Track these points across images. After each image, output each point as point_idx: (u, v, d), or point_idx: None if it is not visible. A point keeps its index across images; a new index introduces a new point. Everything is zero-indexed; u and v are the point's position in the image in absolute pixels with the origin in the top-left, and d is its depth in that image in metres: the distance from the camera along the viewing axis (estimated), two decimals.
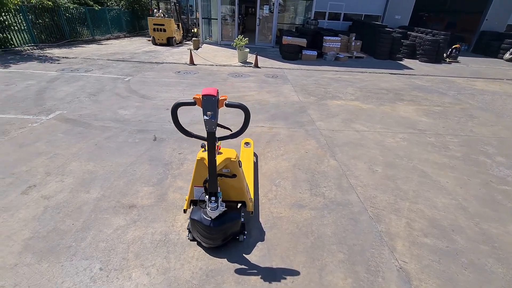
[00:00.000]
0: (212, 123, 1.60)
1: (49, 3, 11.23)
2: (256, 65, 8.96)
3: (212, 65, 9.07)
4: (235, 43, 9.26)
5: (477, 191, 2.96)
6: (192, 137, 1.74)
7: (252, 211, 2.26)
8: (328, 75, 8.38)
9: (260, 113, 4.93)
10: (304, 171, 3.16)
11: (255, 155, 3.48)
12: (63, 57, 9.34)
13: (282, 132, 4.17)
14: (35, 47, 10.77)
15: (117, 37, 16.01)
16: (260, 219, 2.40)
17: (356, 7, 13.20)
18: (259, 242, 2.16)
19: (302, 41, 9.97)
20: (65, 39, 12.39)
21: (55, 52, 10.24)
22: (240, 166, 2.06)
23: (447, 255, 2.13)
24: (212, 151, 1.73)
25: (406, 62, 11.15)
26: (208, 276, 1.86)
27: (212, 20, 12.68)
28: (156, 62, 9.15)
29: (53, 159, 3.17)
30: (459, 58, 12.24)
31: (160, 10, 14.03)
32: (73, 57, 9.39)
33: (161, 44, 13.42)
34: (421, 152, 3.76)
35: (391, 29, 11.10)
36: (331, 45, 10.26)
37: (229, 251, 2.06)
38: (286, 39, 9.95)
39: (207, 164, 1.81)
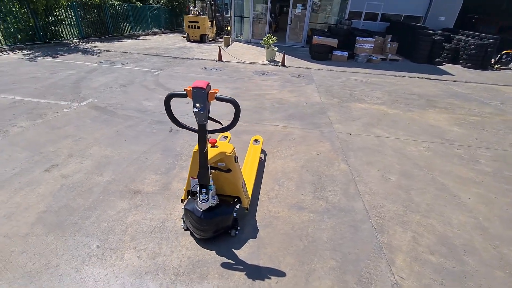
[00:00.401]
0: (201, 116, 1.63)
1: (97, 0, 12.13)
2: (283, 64, 8.89)
3: (239, 62, 9.17)
4: (263, 41, 9.26)
5: (504, 212, 2.66)
6: (183, 128, 1.78)
7: (247, 208, 2.26)
8: (357, 77, 8.05)
9: (277, 112, 4.89)
10: (311, 173, 3.08)
11: (264, 152, 3.47)
12: (104, 50, 10.05)
13: (296, 132, 4.10)
14: (81, 40, 11.72)
15: (155, 33, 16.85)
16: (256, 217, 2.39)
17: (396, 7, 12.48)
18: (251, 239, 2.15)
19: (333, 41, 9.68)
20: (108, 34, 13.31)
21: (98, 45, 11.05)
22: (236, 162, 2.07)
23: (453, 276, 1.95)
24: (202, 144, 1.75)
25: (446, 67, 10.32)
26: (195, 266, 1.89)
27: (244, 18, 12.81)
28: (186, 58, 9.48)
29: (78, 142, 3.44)
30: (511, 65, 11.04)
31: (196, 8, 14.48)
32: (113, 51, 10.07)
33: (195, 41, 13.87)
34: (444, 163, 3.47)
35: (431, 31, 10.34)
36: (363, 46, 9.83)
37: (219, 244, 2.08)
38: (316, 39, 9.73)
39: None
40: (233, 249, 2.05)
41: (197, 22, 13.36)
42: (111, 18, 13.34)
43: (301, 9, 11.56)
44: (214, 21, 15.52)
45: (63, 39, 10.99)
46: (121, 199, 2.49)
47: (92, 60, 8.30)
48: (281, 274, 1.87)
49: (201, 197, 1.89)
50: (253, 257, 1.99)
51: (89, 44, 11.19)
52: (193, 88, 1.54)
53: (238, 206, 2.19)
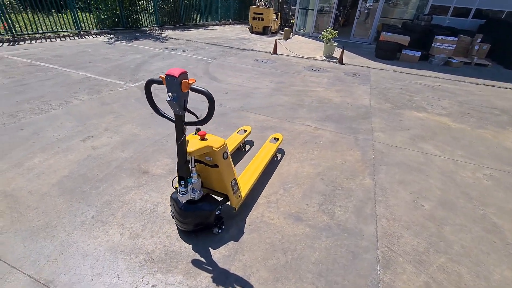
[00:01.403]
0: (174, 106, 1.55)
1: None
2: (340, 61, 8.25)
3: (293, 56, 8.87)
4: (322, 36, 8.72)
5: None
6: (162, 116, 1.73)
7: (235, 208, 2.14)
8: (425, 81, 6.95)
9: (315, 111, 4.55)
10: (326, 183, 2.76)
11: (282, 152, 3.26)
12: (172, 38, 10.90)
13: (327, 136, 3.74)
14: (156, 28, 12.93)
15: (223, 24, 17.53)
16: (247, 219, 2.25)
17: (497, 1, 10.25)
18: (232, 242, 2.03)
19: (404, 39, 8.52)
20: (180, 23, 14.39)
21: (169, 33, 12.04)
22: (225, 158, 1.95)
23: None
24: (178, 134, 1.69)
25: None
26: (167, 256, 1.88)
27: (309, 10, 12.27)
28: (243, 49, 9.60)
29: (117, 118, 3.80)
30: None
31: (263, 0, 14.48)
32: (179, 39, 10.84)
33: (257, 33, 13.96)
34: (508, 199, 2.71)
35: None
36: (442, 47, 8.40)
37: (198, 239, 2.02)
38: (385, 35, 8.71)
39: (188, 147, 1.80)
40: (210, 248, 1.97)
41: (262, 14, 13.37)
42: (185, 8, 14.34)
43: (373, 1, 10.46)
44: (279, 13, 15.33)
45: (141, 26, 12.30)
46: (129, 177, 2.64)
47: (159, 46, 9.08)
48: (248, 287, 1.72)
49: (180, 189, 1.85)
50: (226, 261, 1.88)
51: (162, 32, 12.27)
52: (166, 75, 1.47)
53: (224, 204, 2.09)
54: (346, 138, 3.71)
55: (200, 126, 2.08)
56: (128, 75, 5.71)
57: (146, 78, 5.59)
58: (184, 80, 1.46)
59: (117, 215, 2.19)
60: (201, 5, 15.46)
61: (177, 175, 1.88)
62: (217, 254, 1.92)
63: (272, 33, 14.26)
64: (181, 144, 1.71)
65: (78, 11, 9.96)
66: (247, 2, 19.19)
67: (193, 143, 1.87)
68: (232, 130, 3.63)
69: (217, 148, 1.87)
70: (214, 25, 16.60)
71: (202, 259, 1.88)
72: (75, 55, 6.99)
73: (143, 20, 12.35)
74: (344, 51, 8.49)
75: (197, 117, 1.61)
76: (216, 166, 1.94)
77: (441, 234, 2.24)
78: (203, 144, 1.86)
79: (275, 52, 9.04)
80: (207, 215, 1.96)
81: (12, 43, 7.81)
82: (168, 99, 1.52)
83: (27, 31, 8.50)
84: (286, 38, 11.62)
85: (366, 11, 10.99)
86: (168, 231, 2.08)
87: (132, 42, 9.41)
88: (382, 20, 10.92)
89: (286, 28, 11.83)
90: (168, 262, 1.84)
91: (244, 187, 2.31)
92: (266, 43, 10.95)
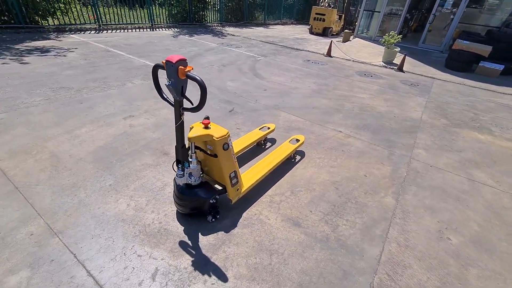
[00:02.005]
0: (172, 91, 1.62)
1: None
2: (399, 68, 7.53)
3: (348, 60, 8.41)
4: (383, 40, 8.06)
5: None
6: (164, 100, 1.82)
7: (232, 200, 2.15)
8: (502, 100, 5.88)
9: (352, 118, 4.26)
10: (340, 194, 2.57)
11: (302, 154, 3.14)
12: (230, 34, 11.37)
13: (357, 145, 3.47)
14: (219, 24, 13.63)
15: (284, 24, 17.55)
16: (244, 214, 2.24)
17: None
18: (222, 232, 2.05)
19: (484, 49, 7.33)
20: (243, 21, 14.88)
21: (229, 30, 12.57)
22: (226, 149, 1.97)
23: None
24: (176, 118, 1.76)
25: None
26: (159, 232, 2.00)
27: (375, 13, 11.44)
28: (296, 49, 9.48)
29: (157, 103, 4.14)
30: None
31: (327, 0, 14.02)
32: (237, 35, 11.24)
33: (317, 34, 13.62)
34: None
35: None
36: None
37: (192, 224, 2.09)
38: (460, 43, 7.63)
39: (190, 132, 1.88)
40: (200, 233, 2.02)
41: (324, 15, 12.98)
42: (249, 6, 14.78)
43: (451, 5, 9.22)
44: (343, 15, 14.66)
45: (206, 22, 13.11)
46: (151, 156, 2.87)
47: (216, 41, 9.57)
48: (223, 278, 1.72)
49: (177, 172, 1.94)
50: (210, 250, 1.91)
51: (223, 28, 12.89)
52: (166, 61, 1.55)
53: (223, 194, 2.12)
54: (379, 151, 3.38)
55: (208, 115, 2.17)
56: None
57: (196, 70, 5.95)
58: (180, 67, 1.52)
59: (130, 187, 2.40)
60: (264, 4, 15.73)
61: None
62: (204, 241, 1.97)
63: (333, 35, 13.74)
64: (179, 128, 1.79)
65: (154, 6, 11.10)
66: (311, 2, 18.83)
67: (195, 130, 1.94)
68: (259, 126, 3.63)
69: (217, 138, 1.90)
70: (275, 24, 16.73)
71: (189, 242, 1.95)
72: (143, 45, 7.82)
73: (208, 17, 13.14)
74: (407, 57, 7.72)
75: (192, 104, 1.66)
76: (215, 156, 1.98)
77: (462, 275, 1.89)
78: (204, 132, 1.92)
79: (328, 54, 8.70)
80: (202, 202, 2.02)
81: (97, 31, 9.13)
82: (166, 83, 1.60)
83: (111, 22, 9.84)
84: (345, 40, 11.06)
85: (442, 16, 9.74)
86: (168, 210, 2.20)
87: (193, 36, 10.10)
88: (463, 27, 9.55)
89: (346, 31, 11.26)
90: (158, 237, 1.95)
91: (247, 182, 2.31)
92: (322, 44, 10.61)
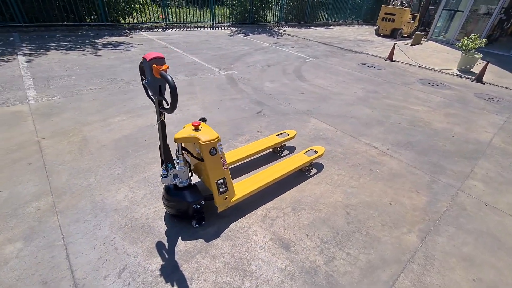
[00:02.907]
0: (147, 88, 1.56)
1: None
2: (478, 79, 6.28)
3: (412, 65, 7.40)
4: (461, 44, 6.82)
5: None
6: (148, 98, 1.76)
7: (218, 208, 2.03)
8: None
9: (394, 132, 3.67)
10: (350, 220, 2.20)
11: (320, 167, 2.82)
12: (287, 34, 11.18)
13: (391, 165, 2.96)
14: (278, 24, 13.54)
15: (350, 24, 16.50)
16: (231, 225, 2.09)
17: None
18: (202, 240, 1.94)
19: None
20: (303, 21, 14.50)
21: (287, 30, 12.38)
22: (213, 154, 1.85)
23: None
24: (157, 116, 1.70)
25: None
26: (142, 228, 2.00)
27: (457, 12, 9.80)
28: (353, 51, 8.79)
29: (190, 99, 4.26)
30: None
31: None
32: (293, 35, 10.99)
33: (384, 35, 12.44)
34: None
35: None
36: None
37: (175, 225, 2.04)
38: None
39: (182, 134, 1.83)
40: (180, 237, 1.96)
41: (394, 15, 11.73)
42: (311, 6, 14.31)
43: None
44: (418, 15, 13.02)
45: (265, 22, 13.16)
46: None
47: (270, 41, 9.50)
48: None
49: (162, 171, 1.90)
50: (184, 257, 1.82)
51: (281, 28, 12.75)
52: (143, 58, 1.49)
53: (208, 200, 2.01)
54: (418, 176, 2.82)
55: (204, 118, 2.09)
56: (225, 64, 6.27)
57: (239, 69, 5.99)
58: (154, 65, 1.45)
59: (134, 178, 2.48)
60: (329, 4, 15.02)
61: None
62: (181, 246, 1.89)
63: (403, 37, 12.33)
64: (159, 127, 1.74)
65: (216, 7, 11.61)
66: (382, 1, 17.25)
67: (183, 131, 1.88)
68: (276, 130, 3.40)
69: (204, 142, 1.79)
70: (338, 24, 15.86)
71: (166, 244, 1.90)
72: (198, 43, 8.24)
73: (268, 16, 13.17)
74: (492, 66, 6.41)
75: (168, 105, 1.58)
76: (201, 160, 1.88)
77: None
78: (191, 133, 1.83)
79: (390, 58, 7.80)
80: (184, 205, 1.94)
81: (163, 29, 9.99)
82: (143, 81, 1.56)
83: (176, 21, 10.66)
84: (415, 43, 9.77)
85: None
86: (159, 207, 2.19)
87: (249, 35, 10.23)
88: None
89: (417, 33, 9.94)
90: (139, 234, 1.95)
91: (241, 192, 2.15)
92: (386, 47, 9.58)
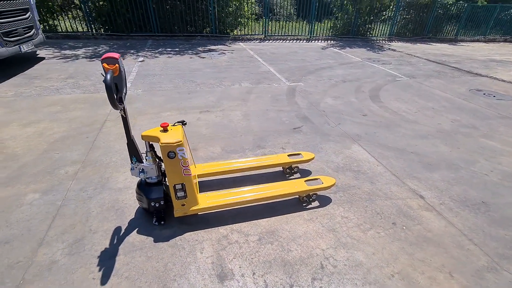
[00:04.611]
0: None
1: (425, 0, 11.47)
2: None
3: None
4: None
5: None
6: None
7: (174, 213, 1.99)
8: None
9: (471, 185, 2.64)
10: (318, 277, 1.72)
11: (325, 202, 2.34)
12: (391, 50, 9.92)
13: (432, 227, 2.14)
14: (386, 39, 12.17)
15: (490, 41, 13.13)
16: (187, 233, 2.00)
17: None
18: (151, 239, 1.94)
19: None
20: (421, 35, 12.50)
21: (395, 45, 10.97)
22: (171, 158, 1.82)
23: None
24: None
25: None
26: (116, 212, 2.17)
27: None
28: (474, 73, 6.94)
29: (239, 106, 4.36)
30: None
31: None
32: (399, 51, 9.67)
33: None
34: None
35: None
36: None
37: (141, 218, 2.12)
38: None
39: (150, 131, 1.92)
40: (136, 230, 2.02)
41: None
42: (435, 19, 12.15)
43: None
44: None
45: (370, 35, 12.07)
46: (193, 151, 3.12)
47: (363, 55, 8.65)
48: (104, 280, 1.65)
49: (131, 164, 2.01)
50: (127, 249, 1.86)
51: (389, 43, 11.41)
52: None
53: (167, 202, 2.01)
54: (469, 252, 1.93)
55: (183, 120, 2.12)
56: (297, 76, 6.13)
57: (308, 82, 5.73)
58: (104, 64, 1.56)
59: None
60: (462, 16, 12.34)
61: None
62: (131, 238, 1.95)
63: None
64: (125, 121, 1.85)
65: (317, 20, 11.50)
66: None
67: (152, 130, 1.95)
68: (309, 152, 3.02)
69: (162, 143, 1.81)
70: (472, 41, 12.83)
71: (122, 231, 2.00)
72: (285, 54, 8.38)
73: (375, 30, 12.03)
74: None
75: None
76: (161, 159, 1.90)
77: None
78: (154, 133, 1.89)
79: None
80: (146, 202, 2.00)
81: (261, 40, 10.68)
82: (103, 79, 1.69)
83: (274, 33, 11.20)
84: None
85: None
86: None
87: (344, 49, 9.63)
88: None
89: None
90: (111, 215, 2.14)
91: (206, 202, 2.04)
92: None
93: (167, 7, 9.36)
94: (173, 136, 1.86)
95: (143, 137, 1.90)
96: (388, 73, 6.70)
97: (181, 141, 1.84)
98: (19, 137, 3.17)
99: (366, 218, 2.21)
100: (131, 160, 1.97)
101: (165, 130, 1.91)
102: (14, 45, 5.25)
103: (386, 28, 12.14)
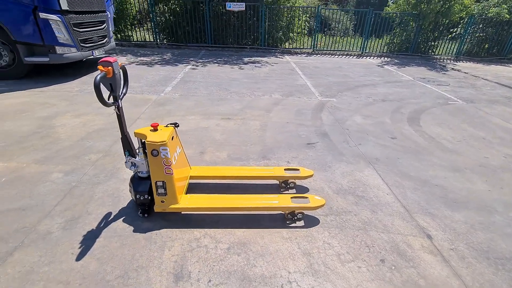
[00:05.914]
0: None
1: (506, 15, 10.02)
2: None
3: None
4: None
5: None
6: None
7: (154, 208, 2.11)
8: None
9: (498, 232, 2.19)
10: None
11: (312, 223, 2.20)
12: (455, 70, 8.95)
13: (429, 274, 1.82)
14: (452, 58, 10.94)
15: None
16: (163, 229, 2.09)
17: None
18: (131, 228, 2.08)
19: None
20: (498, 56, 10.91)
21: (461, 65, 9.84)
22: (154, 155, 1.95)
23: None
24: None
25: None
26: (114, 198, 2.39)
27: None
28: None
29: (260, 116, 4.40)
30: None
31: None
32: (463, 72, 8.65)
33: None
34: None
35: None
36: None
37: (131, 208, 2.30)
38: None
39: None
40: (122, 218, 2.19)
41: None
42: None
43: None
44: None
45: (433, 54, 10.98)
46: (194, 149, 3.28)
47: (418, 75, 7.92)
48: (80, 256, 1.84)
49: (125, 157, 2.20)
50: (108, 234, 2.03)
51: (455, 62, 10.23)
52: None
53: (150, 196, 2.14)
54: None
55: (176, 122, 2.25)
56: (333, 91, 5.92)
57: (343, 98, 5.50)
58: (99, 66, 1.77)
59: None
60: None
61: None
62: (116, 225, 2.12)
63: None
64: (120, 117, 2.05)
65: (372, 36, 10.96)
66: None
67: (143, 128, 2.12)
68: (317, 169, 2.88)
69: (147, 141, 1.96)
70: None
71: (111, 217, 2.19)
72: (328, 69, 8.18)
73: (439, 48, 10.92)
74: None
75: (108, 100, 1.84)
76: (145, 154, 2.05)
77: None
78: (144, 131, 2.05)
79: None
80: (133, 194, 2.17)
81: (308, 54, 10.63)
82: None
83: (323, 48, 11.03)
84: None
85: None
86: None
87: (396, 67, 8.96)
88: None
89: None
90: (109, 201, 2.37)
91: (187, 203, 2.12)
92: None
93: (222, 21, 10.05)
94: (159, 136, 2.00)
95: (135, 134, 2.08)
96: (440, 95, 5.99)
97: (165, 141, 1.96)
98: (67, 125, 3.75)
99: (351, 248, 2.00)
100: (124, 153, 2.17)
101: (155, 129, 2.06)
102: (88, 50, 6.24)
103: (453, 47, 10.91)
